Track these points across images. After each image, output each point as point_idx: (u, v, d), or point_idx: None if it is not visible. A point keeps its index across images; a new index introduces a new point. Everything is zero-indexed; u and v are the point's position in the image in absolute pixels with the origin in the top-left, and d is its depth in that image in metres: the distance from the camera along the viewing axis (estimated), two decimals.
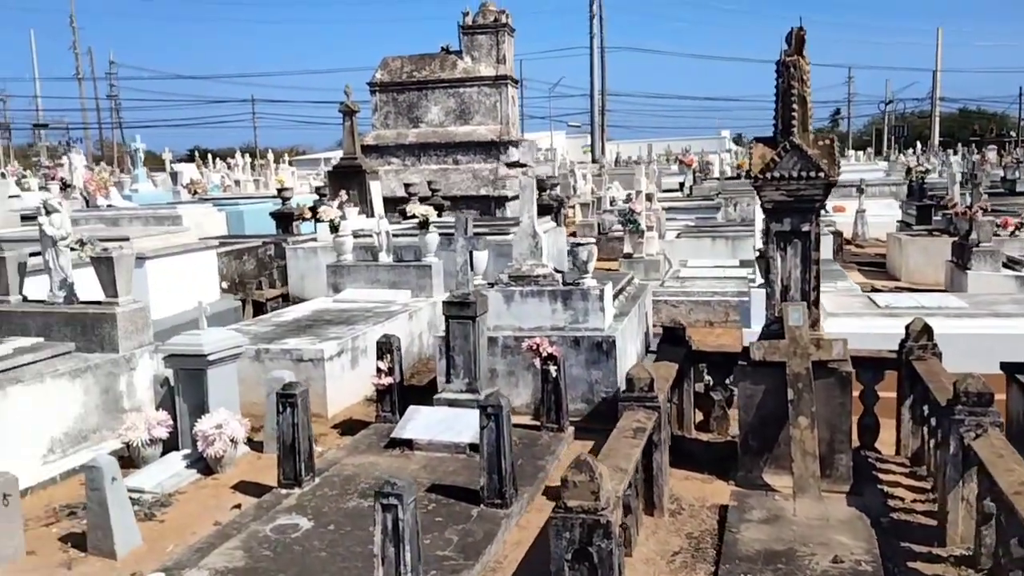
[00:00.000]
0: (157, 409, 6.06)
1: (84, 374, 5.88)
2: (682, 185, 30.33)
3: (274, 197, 19.06)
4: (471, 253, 6.01)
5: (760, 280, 7.88)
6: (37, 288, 6.78)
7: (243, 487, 5.33)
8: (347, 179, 15.51)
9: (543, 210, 15.27)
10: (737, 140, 69.68)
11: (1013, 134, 40.48)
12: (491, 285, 6.93)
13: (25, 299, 6.63)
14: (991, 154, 31.97)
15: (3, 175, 20.28)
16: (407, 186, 15.72)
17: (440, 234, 9.48)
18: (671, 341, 6.17)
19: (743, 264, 12.11)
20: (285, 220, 15.40)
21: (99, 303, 6.34)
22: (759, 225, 8.39)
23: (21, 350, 5.71)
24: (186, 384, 5.74)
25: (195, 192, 20.44)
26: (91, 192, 16.64)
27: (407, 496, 3.38)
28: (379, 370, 6.16)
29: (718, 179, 33.03)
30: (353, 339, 7.18)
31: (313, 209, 15.81)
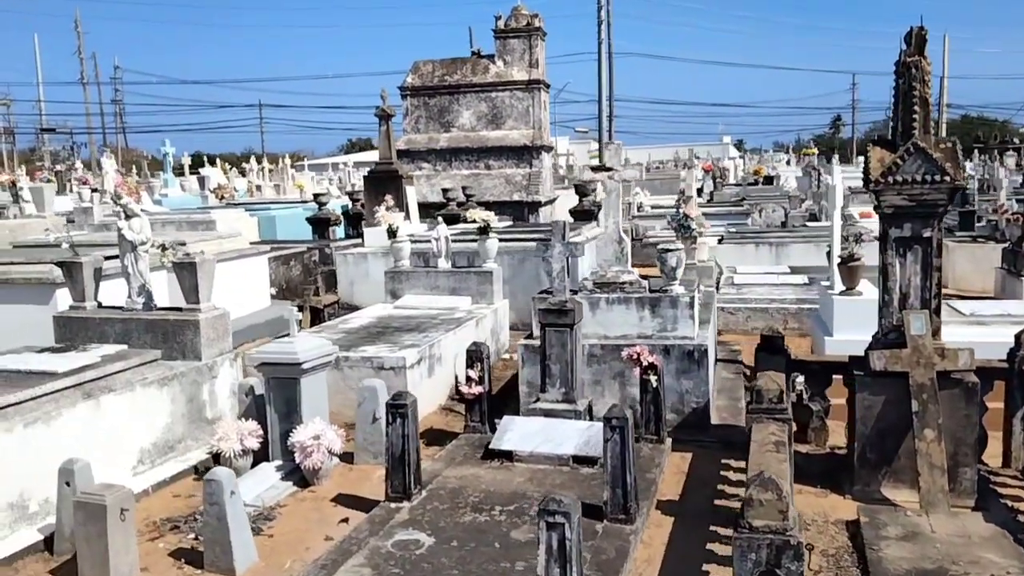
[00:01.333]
0: (240, 419, 5.91)
1: (171, 382, 5.74)
2: (700, 191, 30.23)
3: (303, 202, 18.97)
4: (568, 259, 5.86)
5: (840, 287, 7.73)
6: (105, 294, 6.64)
7: (343, 500, 5.18)
8: (384, 184, 15.33)
9: (584, 215, 15.15)
10: (738, 146, 69.60)
11: (1016, 140, 40.33)
12: (574, 292, 6.77)
13: (100, 305, 6.49)
14: (1010, 160, 31.85)
15: (49, 180, 20.11)
16: (445, 191, 15.60)
17: (500, 240, 9.33)
18: (769, 350, 6.02)
19: (795, 271, 11.96)
20: (322, 225, 15.27)
21: (180, 309, 6.20)
22: (837, 232, 8.23)
23: (109, 358, 5.56)
24: (277, 393, 5.59)
25: (221, 197, 20.32)
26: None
27: (574, 514, 3.23)
28: (469, 379, 6.00)
29: (738, 184, 32.88)
30: (430, 347, 7.03)
31: (356, 216, 15.73)
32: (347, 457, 5.87)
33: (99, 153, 56.88)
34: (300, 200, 19.15)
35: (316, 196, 16.03)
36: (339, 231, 16.15)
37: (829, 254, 8.49)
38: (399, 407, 4.78)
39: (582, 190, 15.00)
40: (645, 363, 5.60)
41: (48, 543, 4.55)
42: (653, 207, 21.76)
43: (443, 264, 9.30)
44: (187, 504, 5.17)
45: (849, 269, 7.54)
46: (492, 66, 18.21)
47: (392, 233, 9.45)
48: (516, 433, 5.57)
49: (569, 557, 3.20)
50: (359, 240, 13.64)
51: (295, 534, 4.69)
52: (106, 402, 5.19)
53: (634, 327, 6.51)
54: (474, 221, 9.30)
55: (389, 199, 12.25)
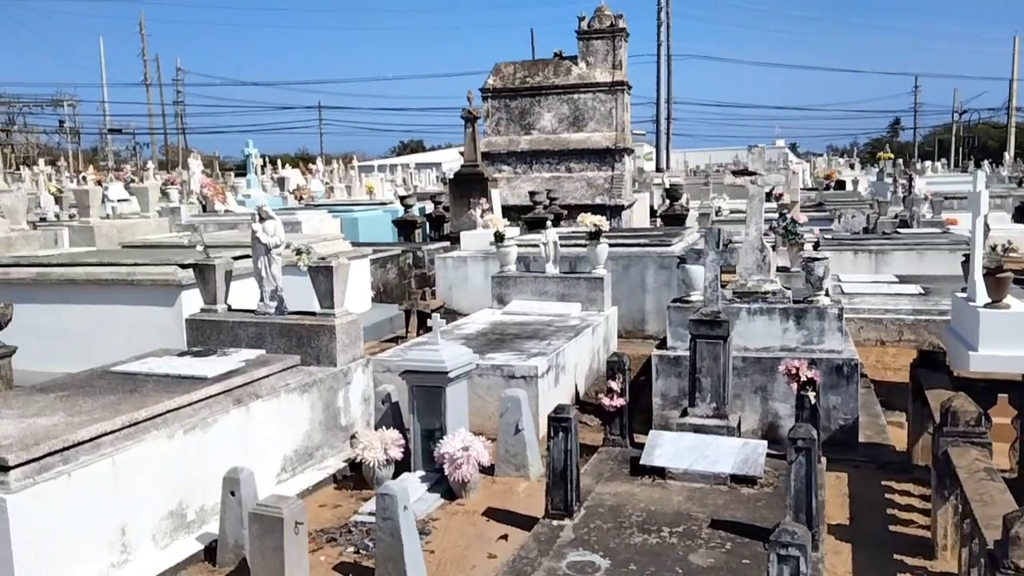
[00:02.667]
0: (378, 427, 5.80)
1: (310, 389, 5.64)
2: (769, 195, 29.52)
3: (382, 204, 18.99)
4: (716, 266, 5.62)
5: (985, 299, 7.33)
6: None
7: (496, 515, 5.01)
8: (469, 186, 15.29)
9: (675, 220, 14.86)
10: (792, 149, 68.15)
11: None
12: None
13: (230, 308, 6.44)
14: None
15: (133, 179, 20.47)
16: (532, 194, 15.43)
17: (610, 245, 9.12)
18: (929, 366, 5.70)
19: (902, 280, 11.51)
20: (408, 227, 15.24)
21: (314, 314, 6.11)
22: (979, 241, 7.82)
23: (252, 363, 5.48)
24: (421, 402, 5.46)
25: (300, 198, 20.46)
26: (208, 197, 16.70)
27: (808, 547, 3.00)
28: (610, 391, 5.80)
29: (811, 189, 32.17)
30: (556, 355, 6.84)
31: (438, 218, 15.62)
32: (487, 470, 5.71)
33: (133, 152, 58.08)
34: (379, 202, 19.17)
35: (402, 199, 16.04)
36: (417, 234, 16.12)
37: (965, 264, 8.08)
38: (562, 421, 4.60)
39: (673, 193, 14.70)
40: (804, 378, 5.33)
41: (208, 552, 4.46)
42: (732, 211, 21.32)
43: (551, 269, 9.11)
44: (335, 515, 5.06)
45: (997, 281, 7.13)
46: (574, 67, 18.01)
47: (500, 237, 9.29)
48: (667, 449, 5.34)
49: None
50: (447, 243, 13.57)
51: (456, 551, 4.53)
52: (255, 408, 5.11)
53: (777, 339, 6.25)
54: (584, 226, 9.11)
55: (484, 202, 12.12)
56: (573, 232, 10.61)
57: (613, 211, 17.39)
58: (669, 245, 10.17)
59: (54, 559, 3.80)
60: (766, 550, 3.08)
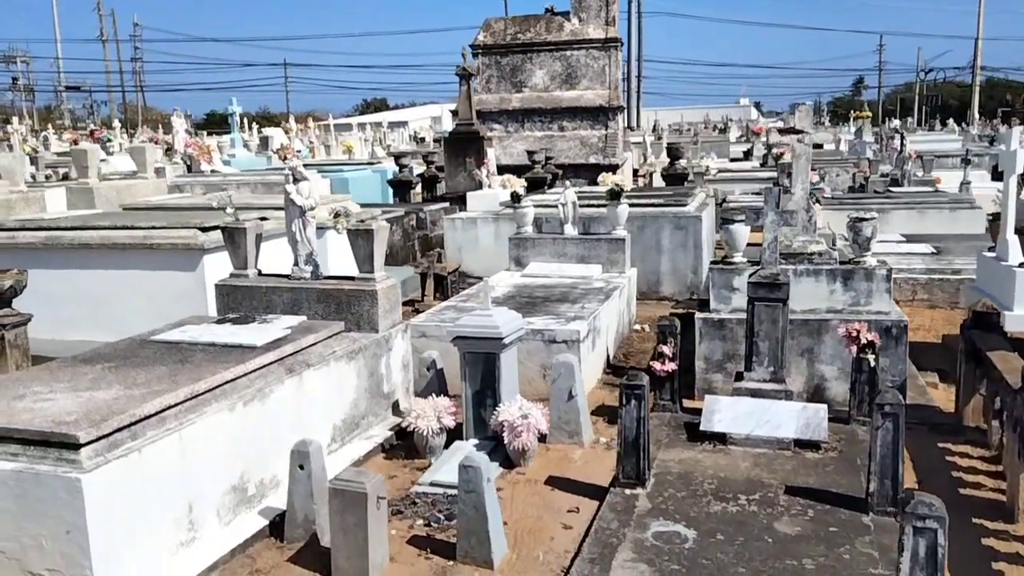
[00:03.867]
0: (422, 395, 5.65)
1: (356, 356, 5.46)
2: (747, 154, 29.56)
3: (370, 163, 18.61)
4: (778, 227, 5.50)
5: (1018, 258, 7.31)
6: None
7: (558, 484, 4.90)
8: (464, 146, 14.99)
9: (677, 179, 14.72)
10: (756, 107, 68.13)
11: None
12: (753, 263, 6.43)
13: (260, 273, 6.20)
14: None
15: (109, 139, 19.78)
16: (530, 153, 15.18)
17: (629, 206, 8.96)
18: (983, 327, 5.67)
19: (910, 239, 11.52)
20: (403, 188, 14.94)
21: (353, 278, 5.90)
22: (1012, 200, 7.79)
23: (298, 330, 5.27)
24: (473, 369, 5.30)
25: (284, 157, 19.93)
26: (194, 157, 16.21)
27: (946, 520, 2.91)
28: (661, 355, 5.69)
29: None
30: (593, 319, 6.71)
31: (431, 178, 15.26)
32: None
33: (90, 111, 56.39)
34: (367, 161, 18.77)
35: (397, 158, 15.68)
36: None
37: (992, 223, 8.07)
38: (635, 388, 4.47)
39: (674, 152, 14.55)
40: (864, 340, 5.26)
41: (272, 528, 4.30)
42: (721, 170, 21.24)
43: (570, 230, 8.94)
44: (393, 486, 4.90)
45: None
46: (567, 24, 17.68)
47: (516, 198, 9.09)
48: (725, 415, 5.26)
49: (940, 566, 2.90)
50: (446, 204, 13.31)
51: (528, 521, 4.42)
52: (307, 377, 4.92)
53: (823, 301, 6.17)
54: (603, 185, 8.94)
55: (488, 161, 11.86)
56: (588, 192, 10.44)
57: (608, 170, 17.17)
58: (684, 205, 10.04)
59: (127, 539, 3.61)
60: (851, 517, 2.99)
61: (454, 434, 5.39)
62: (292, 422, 4.76)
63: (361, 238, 5.80)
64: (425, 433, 5.20)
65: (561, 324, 6.45)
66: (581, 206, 9.83)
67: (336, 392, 5.24)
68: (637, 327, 8.68)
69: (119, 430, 3.68)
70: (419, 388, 5.86)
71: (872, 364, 5.30)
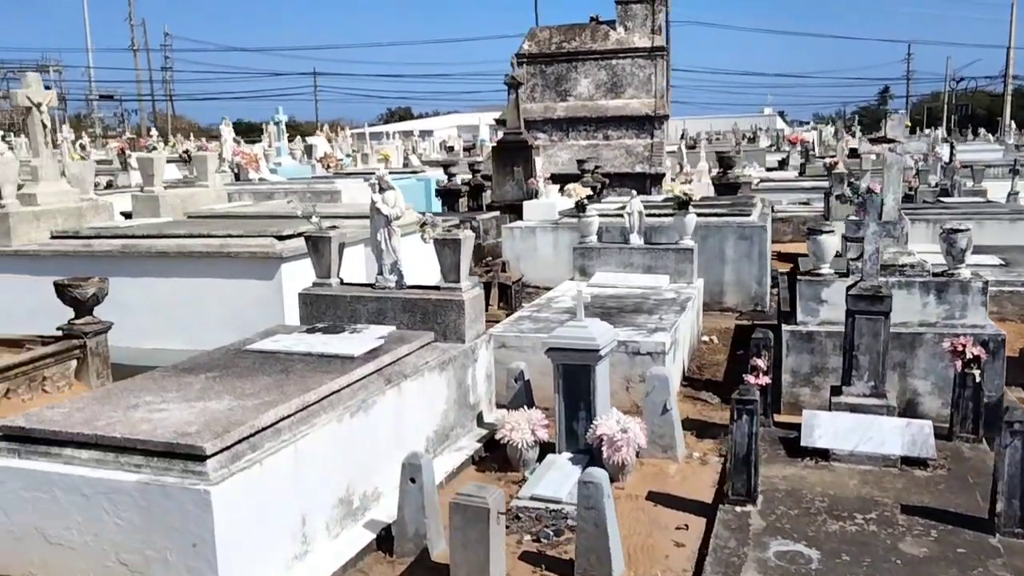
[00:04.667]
0: (510, 407, 5.58)
1: (447, 367, 5.40)
2: (782, 163, 29.32)
3: (413, 172, 18.62)
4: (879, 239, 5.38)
5: None
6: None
7: (660, 499, 4.81)
8: (512, 154, 14.92)
9: (730, 189, 14.59)
10: (780, 117, 67.49)
11: None
12: (840, 275, 6.31)
13: (342, 282, 6.17)
14: None
15: (154, 147, 19.96)
16: (579, 162, 15.13)
17: (698, 215, 8.86)
18: None
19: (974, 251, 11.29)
20: (451, 196, 14.92)
21: (438, 288, 5.85)
22: None
23: (390, 340, 5.22)
24: (567, 381, 5.22)
25: (328, 166, 20.05)
26: (242, 166, 16.29)
27: None
28: (754, 368, 5.56)
29: (821, 157, 31.86)
30: (674, 331, 6.61)
31: (476, 187, 15.23)
32: None
33: (121, 119, 57.01)
34: (411, 170, 18.80)
35: (445, 167, 15.66)
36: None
37: None
38: (747, 403, 4.37)
39: (726, 161, 14.42)
40: (970, 355, 5.12)
41: (380, 542, 4.24)
42: (762, 180, 21.05)
43: (636, 240, 8.85)
44: None
45: None
46: (612, 32, 17.62)
47: (582, 207, 9.02)
48: (826, 430, 5.14)
49: None
50: (496, 213, 13.26)
51: (638, 539, 4.33)
52: (405, 388, 4.86)
53: (915, 314, 6.04)
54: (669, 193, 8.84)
55: (546, 171, 11.80)
56: (646, 201, 10.33)
57: (654, 179, 17.12)
58: (748, 215, 9.92)
59: (250, 552, 3.57)
60: (977, 538, 2.87)
61: (544, 447, 5.31)
62: (391, 434, 4.71)
63: (448, 247, 5.75)
64: (519, 446, 5.13)
65: (644, 336, 6.35)
66: (650, 215, 9.77)
67: (429, 403, 5.18)
68: (705, 338, 8.57)
69: (240, 441, 3.64)
70: (506, 399, 5.78)
71: (977, 380, 5.15)
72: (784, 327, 6.27)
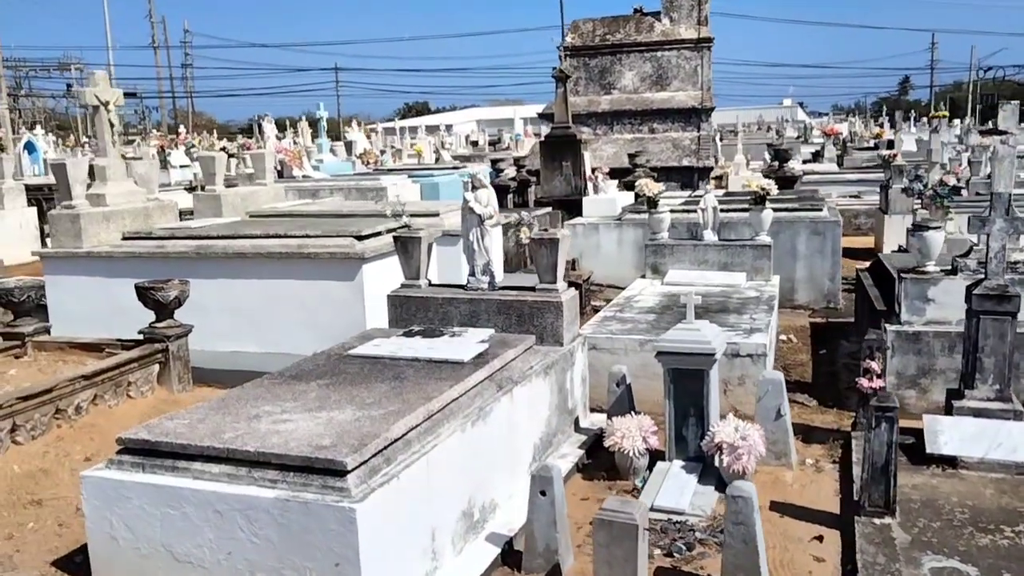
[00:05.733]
0: (611, 412, 5.40)
1: (550, 371, 5.22)
2: (816, 155, 28.88)
3: (455, 168, 18.45)
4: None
5: None
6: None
7: (783, 509, 4.60)
8: (560, 149, 14.72)
9: (787, 183, 14.29)
10: (800, 107, 66.57)
11: None
12: (947, 272, 6.07)
13: (430, 283, 6.00)
14: None
15: (246, 147, 19.87)
16: (631, 156, 14.88)
17: (774, 210, 8.63)
18: None
19: None
20: (500, 193, 14.71)
21: (533, 289, 5.67)
22: None
23: (494, 344, 5.04)
24: (678, 385, 5.02)
25: (367, 163, 19.93)
26: (285, 163, 16.19)
27: None
28: (867, 371, 5.34)
29: (872, 148, 31.40)
30: (768, 330, 6.39)
31: (522, 182, 15.04)
32: None
33: (142, 116, 57.19)
34: (453, 166, 18.63)
35: (494, 162, 15.45)
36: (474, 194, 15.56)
37: None
38: (887, 410, 4.16)
39: (783, 154, 14.13)
40: None
41: (504, 556, 4.07)
42: (805, 172, 20.70)
43: (710, 236, 8.63)
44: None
45: None
46: (657, 24, 17.34)
47: (652, 203, 8.80)
48: (951, 436, 4.91)
49: None
50: (548, 208, 13.06)
51: (774, 552, 4.12)
52: (516, 394, 4.69)
53: None
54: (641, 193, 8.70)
55: (604, 167, 11.57)
56: (727, 196, 10.11)
57: (701, 173, 16.85)
58: (820, 210, 9.67)
59: (390, 570, 3.40)
60: None
61: (652, 454, 5.12)
62: (504, 442, 4.54)
63: (545, 247, 5.56)
64: (630, 453, 4.94)
65: (743, 336, 6.14)
66: (690, 211, 9.56)
67: (536, 410, 5.01)
68: (783, 337, 8.33)
69: (375, 455, 3.48)
70: (606, 404, 5.59)
71: None
72: (888, 327, 6.03)
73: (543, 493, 3.91)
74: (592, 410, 6.04)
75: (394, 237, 6.00)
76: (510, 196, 14.76)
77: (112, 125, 7.67)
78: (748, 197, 8.63)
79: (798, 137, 38.45)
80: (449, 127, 51.30)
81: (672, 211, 9.26)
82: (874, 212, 14.74)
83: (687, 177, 16.53)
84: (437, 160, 27.02)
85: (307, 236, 6.89)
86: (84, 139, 39.76)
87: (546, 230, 5.69)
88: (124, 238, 7.43)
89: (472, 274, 5.81)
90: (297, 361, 4.90)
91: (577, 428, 5.71)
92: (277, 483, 3.37)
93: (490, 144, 40.94)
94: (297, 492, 3.31)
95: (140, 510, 3.52)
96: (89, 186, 7.72)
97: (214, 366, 6.77)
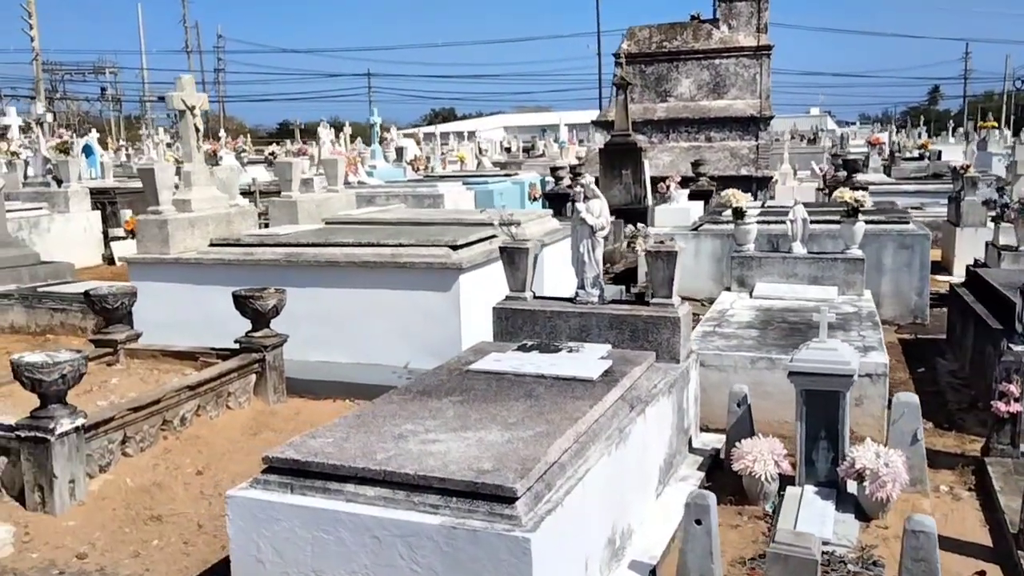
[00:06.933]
0: (731, 434, 5.20)
1: (672, 390, 5.02)
2: (864, 164, 28.44)
3: (507, 175, 18.33)
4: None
5: None
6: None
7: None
8: (620, 157, 14.55)
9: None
10: (829, 116, 65.80)
11: None
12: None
13: (535, 296, 5.83)
14: None
15: (303, 153, 19.90)
16: (694, 164, 14.67)
17: (866, 222, 8.38)
18: None
19: None
20: (559, 201, 14.56)
21: (647, 303, 5.48)
22: None
23: (617, 361, 4.85)
24: (810, 407, 4.81)
25: (417, 169, 19.86)
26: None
27: None
28: (1003, 395, 5.11)
29: (919, 159, 30.90)
30: (883, 347, 6.15)
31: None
32: None
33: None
34: (505, 173, 18.51)
35: (553, 170, 15.30)
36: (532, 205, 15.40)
37: None
38: None
39: (851, 165, 13.84)
40: None
41: None
42: (867, 182, 20.30)
43: (799, 249, 8.38)
44: (740, 536, 4.46)
45: None
46: (715, 31, 17.14)
47: (740, 213, 8.59)
48: None
49: None
50: (612, 218, 12.86)
51: None
52: (648, 414, 4.50)
53: None
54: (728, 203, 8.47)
55: (676, 175, 11.38)
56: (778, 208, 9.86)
57: (760, 183, 16.60)
58: (907, 223, 9.40)
59: None
60: None
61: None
62: (638, 465, 4.36)
63: (661, 259, 5.37)
64: (761, 478, 4.72)
65: (859, 355, 5.89)
66: (775, 222, 9.34)
67: (661, 430, 4.82)
68: None
69: (538, 480, 3.31)
70: (727, 424, 5.38)
71: None
72: (1013, 347, 5.76)
73: (698, 522, 3.72)
74: (704, 429, 5.84)
75: (500, 248, 5.83)
76: (568, 204, 14.56)
77: (198, 130, 7.60)
78: (840, 209, 8.37)
79: (832, 146, 37.97)
80: (472, 134, 51.18)
81: (762, 222, 9.02)
82: (941, 224, 14.39)
83: (745, 187, 16.16)
84: (478, 166, 26.95)
85: (400, 245, 6.76)
86: (120, 143, 40.09)
87: (662, 242, 5.50)
88: (211, 244, 7.34)
89: (581, 287, 5.64)
90: (419, 376, 4.75)
91: (690, 448, 5.51)
92: (439, 508, 3.21)
93: (525, 151, 40.84)
94: (463, 519, 3.14)
95: (290, 533, 3.37)
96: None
97: (304, 376, 6.65)
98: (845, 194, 8.25)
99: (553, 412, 3.97)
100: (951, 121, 56.93)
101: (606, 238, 5.87)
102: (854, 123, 61.90)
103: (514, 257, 5.76)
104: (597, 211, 5.59)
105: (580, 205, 5.60)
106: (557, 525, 3.23)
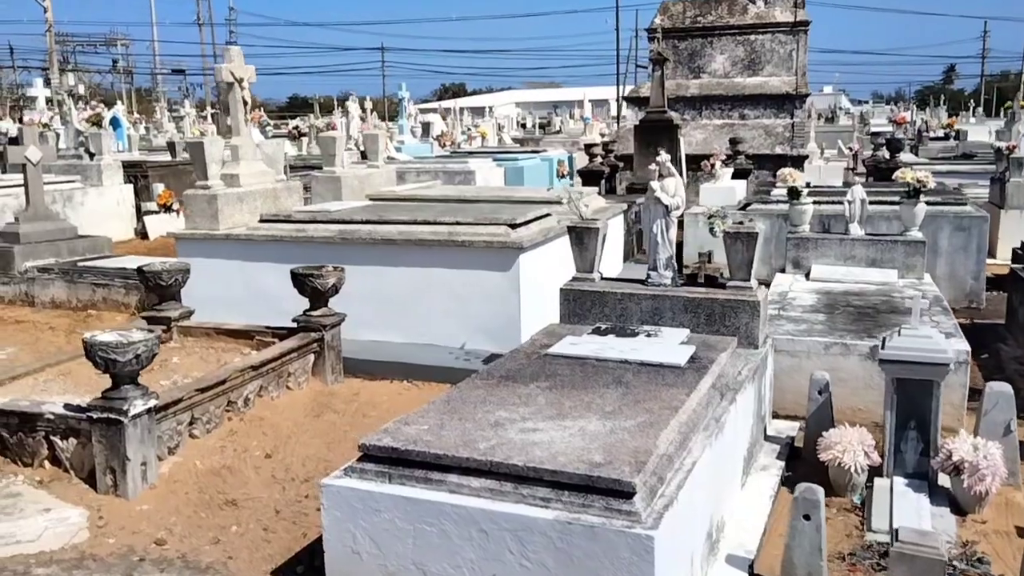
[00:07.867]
0: (810, 422, 5.03)
1: (754, 376, 4.85)
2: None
3: (535, 152, 18.09)
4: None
5: None
6: None
7: None
8: (656, 134, 14.26)
9: (886, 173, 13.72)
10: (844, 94, 64.87)
11: None
12: None
13: (602, 277, 5.66)
14: None
15: (331, 127, 19.70)
16: (732, 141, 14.40)
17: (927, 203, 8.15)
18: None
19: None
20: (594, 179, 14.34)
21: (724, 287, 5.30)
22: None
23: (701, 346, 4.69)
24: (902, 396, 4.64)
25: (444, 145, 19.63)
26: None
27: None
28: None
29: (945, 138, 30.36)
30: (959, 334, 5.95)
31: (611, 168, 14.64)
32: None
33: (185, 94, 57.39)
34: (532, 149, 18.27)
35: (588, 147, 15.05)
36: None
37: None
38: None
39: (894, 144, 13.55)
40: None
41: None
42: (900, 162, 19.93)
43: (856, 230, 8.17)
44: (833, 529, 4.30)
45: None
46: (751, 6, 16.76)
47: (795, 193, 8.37)
48: None
49: None
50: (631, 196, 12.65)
51: None
52: (739, 403, 4.34)
53: None
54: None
55: (720, 154, 11.13)
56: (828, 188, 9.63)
57: (795, 161, 16.25)
58: (964, 204, 9.17)
59: None
60: None
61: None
62: (730, 455, 4.21)
63: (741, 242, 5.19)
64: (850, 469, 4.56)
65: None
66: (825, 203, 9.12)
67: (746, 418, 4.66)
68: None
69: (652, 473, 3.15)
70: (808, 412, 5.22)
71: None
72: None
73: (807, 517, 3.57)
74: (776, 416, 5.69)
75: (568, 227, 5.66)
76: (602, 183, 14.35)
77: (246, 103, 7.43)
78: (897, 190, 8.15)
79: (864, 125, 37.40)
80: (491, 109, 50.73)
81: (819, 203, 8.80)
82: (982, 205, 14.12)
83: (780, 165, 15.89)
84: (500, 142, 26.66)
85: (458, 223, 6.59)
86: (135, 116, 39.85)
87: (741, 223, 5.31)
88: (261, 220, 7.19)
89: (654, 268, 5.47)
90: (498, 360, 4.59)
91: (765, 436, 5.36)
92: (550, 502, 3.06)
93: (541, 127, 40.45)
94: (577, 514, 3.00)
95: (390, 524, 3.23)
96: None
97: (358, 356, 6.51)
98: (907, 174, 8.01)
99: (648, 400, 3.81)
100: (971, 100, 56.13)
101: (680, 219, 5.70)
102: (867, 102, 61.00)
103: (583, 237, 5.58)
104: (672, 190, 5.41)
105: (655, 184, 5.42)
106: (674, 521, 3.08)
